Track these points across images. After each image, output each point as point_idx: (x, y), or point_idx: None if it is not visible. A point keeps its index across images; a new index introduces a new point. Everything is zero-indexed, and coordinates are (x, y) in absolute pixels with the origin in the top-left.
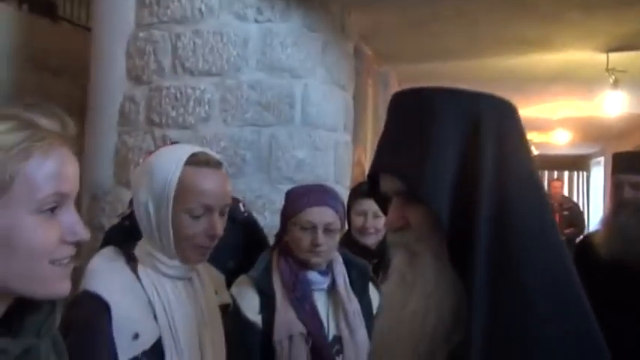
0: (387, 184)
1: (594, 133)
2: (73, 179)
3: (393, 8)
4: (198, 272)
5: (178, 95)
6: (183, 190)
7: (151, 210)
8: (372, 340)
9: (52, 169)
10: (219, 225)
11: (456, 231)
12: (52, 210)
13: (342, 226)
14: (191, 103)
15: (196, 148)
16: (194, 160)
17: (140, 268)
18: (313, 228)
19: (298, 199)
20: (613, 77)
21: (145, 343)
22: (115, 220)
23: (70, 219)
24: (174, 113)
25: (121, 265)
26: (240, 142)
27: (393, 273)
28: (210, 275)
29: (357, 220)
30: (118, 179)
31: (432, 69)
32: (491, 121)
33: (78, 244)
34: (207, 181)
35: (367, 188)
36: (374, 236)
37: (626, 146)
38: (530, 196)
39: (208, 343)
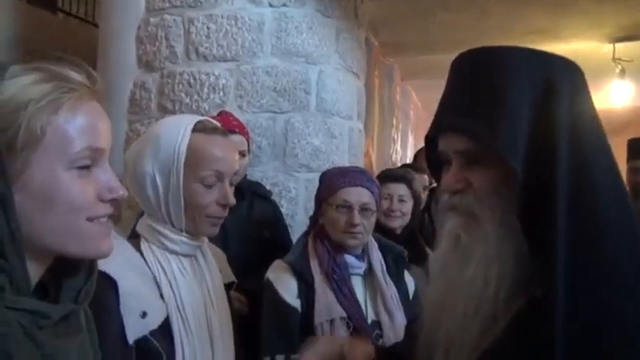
0: (450, 143)
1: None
2: (106, 135)
3: None
4: (203, 250)
5: (192, 81)
6: (194, 157)
7: (158, 180)
8: (426, 306)
9: (84, 122)
10: (232, 194)
11: (529, 190)
12: (87, 167)
13: (378, 208)
14: (205, 89)
15: (200, 117)
16: (202, 127)
17: (143, 246)
18: (349, 208)
19: (334, 180)
20: (619, 67)
21: (153, 322)
22: None
23: (106, 176)
24: (187, 100)
25: (121, 242)
26: (255, 128)
27: (445, 237)
28: (213, 253)
29: (383, 203)
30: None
31: (437, 61)
32: (565, 81)
33: (115, 202)
34: (219, 148)
35: (425, 149)
36: (399, 220)
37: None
38: (602, 159)
39: (216, 322)
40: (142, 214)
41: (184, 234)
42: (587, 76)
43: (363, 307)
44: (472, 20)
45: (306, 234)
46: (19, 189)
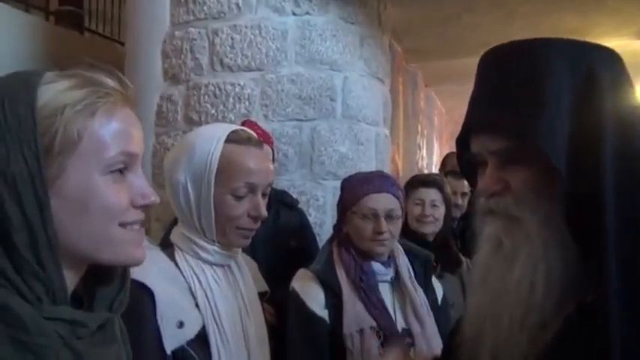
0: (484, 143)
1: None
2: (139, 141)
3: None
4: (237, 259)
5: (217, 92)
6: (226, 168)
7: (191, 191)
8: (467, 316)
9: (118, 127)
10: (264, 206)
11: (574, 189)
12: (121, 171)
13: (403, 212)
14: (231, 99)
15: (235, 126)
16: (235, 138)
17: (178, 256)
18: (375, 215)
19: (357, 187)
20: None
21: (190, 332)
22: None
23: (140, 182)
24: (213, 111)
25: (156, 253)
26: (281, 137)
27: (485, 243)
28: (247, 263)
29: (415, 209)
30: (157, 181)
31: (461, 66)
32: (606, 71)
33: (146, 208)
34: (252, 159)
35: (457, 151)
36: (432, 225)
37: None
38: None
39: (252, 331)
40: (170, 226)
41: (217, 244)
42: None
43: (393, 315)
44: (498, 22)
45: (330, 241)
46: (54, 194)
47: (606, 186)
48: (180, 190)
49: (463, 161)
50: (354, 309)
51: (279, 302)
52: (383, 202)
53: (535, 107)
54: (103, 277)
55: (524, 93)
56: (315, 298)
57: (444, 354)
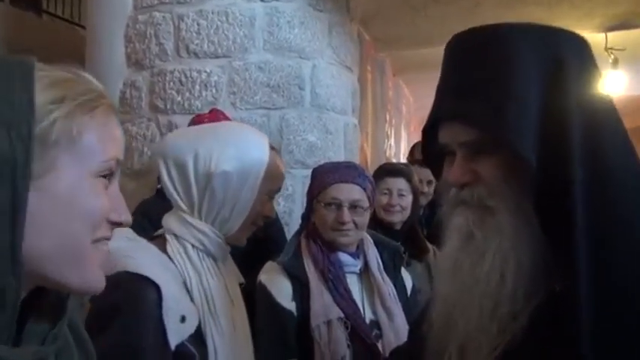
0: (452, 134)
1: None
2: (123, 150)
3: None
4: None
5: (183, 79)
6: (271, 172)
7: (236, 182)
8: (436, 306)
9: (113, 132)
10: (274, 208)
11: (543, 178)
12: (107, 179)
13: (371, 205)
14: (197, 86)
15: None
16: (271, 145)
17: (170, 248)
18: (338, 205)
19: (324, 176)
20: (612, 56)
21: (191, 326)
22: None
23: (118, 197)
24: (179, 98)
25: (146, 245)
26: (249, 125)
27: (454, 233)
28: None
29: (382, 198)
30: (122, 169)
31: (428, 55)
32: (574, 59)
33: (116, 227)
34: (282, 166)
35: (422, 141)
36: (399, 214)
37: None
38: (618, 140)
39: (238, 321)
40: (136, 215)
41: (222, 237)
42: None
43: (361, 306)
44: (463, 12)
45: (297, 234)
46: (39, 188)
47: (575, 176)
48: (218, 178)
49: (429, 151)
50: (321, 300)
51: (247, 294)
52: (347, 192)
53: (504, 98)
54: (34, 307)
55: (493, 82)
56: (282, 291)
57: (409, 343)
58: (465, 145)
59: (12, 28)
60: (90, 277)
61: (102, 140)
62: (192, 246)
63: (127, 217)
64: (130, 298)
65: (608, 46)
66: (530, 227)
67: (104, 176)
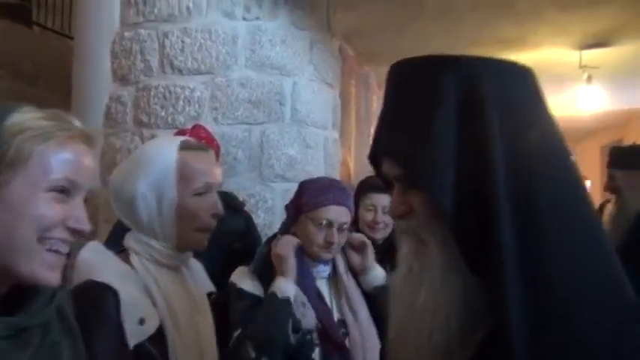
0: (387, 167)
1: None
2: (87, 173)
3: (380, 5)
4: (188, 262)
5: (167, 95)
6: (185, 172)
7: (152, 199)
8: (388, 333)
9: (67, 157)
10: (220, 204)
11: (465, 217)
12: (64, 193)
13: (351, 221)
14: (180, 102)
15: (182, 137)
16: (187, 146)
17: (133, 259)
18: (329, 226)
19: (318, 195)
20: (586, 74)
21: (150, 328)
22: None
23: (79, 209)
24: (163, 113)
25: (111, 257)
26: (231, 140)
27: (400, 263)
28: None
29: (367, 215)
30: (106, 182)
31: None
32: (495, 90)
33: (76, 234)
34: (205, 162)
35: (375, 172)
36: (382, 231)
37: (594, 146)
38: (556, 169)
39: (202, 327)
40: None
41: (172, 248)
42: (554, 83)
43: (330, 307)
44: (445, 29)
45: (267, 242)
46: None
47: (498, 209)
48: (139, 201)
49: (381, 177)
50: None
51: (222, 303)
52: (339, 215)
53: (421, 138)
54: (30, 293)
55: (411, 118)
56: (252, 287)
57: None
58: (397, 179)
59: (2, 40)
60: (36, 268)
61: (51, 162)
62: (147, 259)
63: (86, 225)
64: (94, 306)
65: (583, 63)
66: (458, 263)
67: (60, 191)
